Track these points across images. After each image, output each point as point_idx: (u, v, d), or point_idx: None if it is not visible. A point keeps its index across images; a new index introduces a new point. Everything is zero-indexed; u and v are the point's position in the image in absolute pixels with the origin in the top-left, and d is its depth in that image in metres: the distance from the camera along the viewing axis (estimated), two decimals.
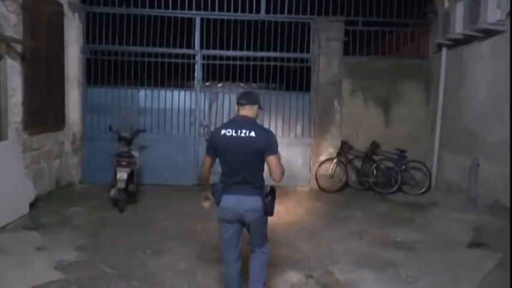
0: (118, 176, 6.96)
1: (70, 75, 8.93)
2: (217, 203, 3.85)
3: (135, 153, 7.87)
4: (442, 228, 6.80)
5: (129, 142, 7.83)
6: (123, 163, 7.08)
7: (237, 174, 3.73)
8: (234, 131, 3.71)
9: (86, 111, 9.33)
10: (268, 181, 3.90)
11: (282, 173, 3.79)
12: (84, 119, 9.30)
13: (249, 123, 3.80)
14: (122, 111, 9.34)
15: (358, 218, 7.34)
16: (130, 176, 7.31)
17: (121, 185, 6.94)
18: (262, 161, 3.77)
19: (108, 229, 6.29)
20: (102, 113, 9.35)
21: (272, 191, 3.86)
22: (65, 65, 8.68)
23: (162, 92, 9.49)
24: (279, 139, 4.01)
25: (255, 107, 3.91)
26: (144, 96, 9.45)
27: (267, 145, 3.70)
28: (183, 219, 6.95)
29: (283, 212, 7.51)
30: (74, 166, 9.12)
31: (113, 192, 7.07)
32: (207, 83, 9.89)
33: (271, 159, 3.72)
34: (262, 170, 3.83)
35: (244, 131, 3.69)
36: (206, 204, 4.17)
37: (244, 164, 3.72)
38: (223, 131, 3.75)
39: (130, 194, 7.41)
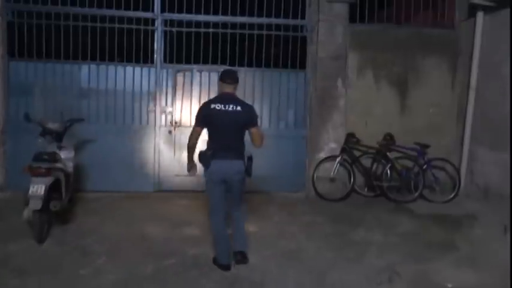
0: (31, 190, 4.68)
1: None
2: (206, 167, 4.29)
3: (67, 153, 5.66)
4: (502, 259, 4.77)
5: (58, 137, 5.64)
6: (41, 170, 4.80)
7: (225, 143, 4.24)
8: (222, 105, 4.23)
9: (9, 94, 6.97)
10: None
11: (262, 140, 4.41)
12: (5, 104, 6.94)
13: (234, 99, 4.35)
14: (58, 94, 7.02)
15: (378, 244, 5.24)
16: (56, 187, 5.07)
17: (35, 205, 4.64)
18: (244, 132, 4.33)
19: (1, 281, 4.02)
20: (31, 95, 7.01)
21: (250, 157, 4.36)
22: None
23: (112, 68, 7.16)
24: (264, 130, 5.53)
25: (237, 84, 4.44)
26: (87, 73, 7.11)
27: (250, 118, 4.34)
28: (130, 252, 4.75)
29: (274, 235, 5.43)
30: None
31: (26, 213, 4.75)
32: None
33: (254, 130, 4.36)
34: (243, 139, 4.36)
35: (231, 105, 4.24)
36: (192, 171, 4.54)
37: (230, 134, 4.26)
38: (213, 105, 4.26)
39: (56, 214, 5.14)
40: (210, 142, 4.34)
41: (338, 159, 7.18)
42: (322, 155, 7.29)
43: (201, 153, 4.31)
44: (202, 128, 4.33)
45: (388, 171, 7.12)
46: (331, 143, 7.32)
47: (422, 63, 7.53)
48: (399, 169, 7.16)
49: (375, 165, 7.33)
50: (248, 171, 4.36)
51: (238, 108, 4.25)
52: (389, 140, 7.20)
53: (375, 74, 7.47)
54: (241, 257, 4.50)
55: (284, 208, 6.59)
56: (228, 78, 4.37)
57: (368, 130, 7.42)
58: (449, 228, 5.82)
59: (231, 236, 4.52)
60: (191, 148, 4.39)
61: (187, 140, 4.40)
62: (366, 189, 7.38)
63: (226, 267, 4.38)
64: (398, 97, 7.52)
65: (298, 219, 6.09)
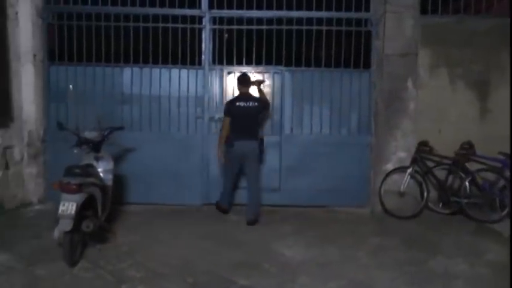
0: (61, 209, 4.13)
1: (21, 49, 6.22)
2: (231, 147, 5.78)
3: (105, 165, 5.14)
4: None
5: (96, 147, 5.10)
6: (72, 186, 4.24)
7: (243, 129, 5.78)
8: (244, 103, 5.81)
9: (49, 100, 6.56)
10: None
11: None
12: (46, 111, 6.55)
13: (252, 97, 5.95)
14: (99, 99, 6.53)
15: (465, 276, 4.32)
16: (90, 204, 4.51)
17: (65, 226, 4.10)
18: (259, 119, 6.03)
19: None
20: (71, 101, 6.56)
21: (262, 138, 5.98)
22: (8, 33, 5.95)
23: (156, 71, 6.62)
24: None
25: (250, 85, 6.01)
26: (129, 77, 6.59)
27: (264, 108, 6.05)
28: (171, 281, 4.09)
29: (338, 261, 4.63)
30: (30, 179, 6.41)
31: (56, 233, 4.22)
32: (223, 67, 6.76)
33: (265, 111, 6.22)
34: (258, 126, 6.03)
35: (250, 102, 5.83)
36: (222, 157, 5.95)
37: (248, 123, 5.81)
38: (237, 103, 5.82)
39: (91, 233, 4.55)
40: (232, 129, 5.81)
41: (408, 170, 6.29)
42: (390, 165, 6.43)
43: (228, 138, 5.80)
44: (229, 118, 5.80)
45: (468, 185, 6.14)
46: (400, 152, 6.44)
47: (506, 60, 6.49)
48: (481, 183, 6.17)
49: (450, 178, 6.38)
50: (261, 148, 5.87)
51: (255, 104, 5.86)
52: (468, 149, 6.23)
53: (449, 72, 6.52)
54: (252, 222, 5.82)
55: (348, 227, 5.80)
56: (243, 82, 5.93)
57: (442, 137, 6.48)
58: None
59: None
60: (223, 136, 5.84)
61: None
62: (440, 205, 6.43)
63: (225, 211, 6.20)
64: (478, 99, 6.54)
65: (365, 241, 5.26)
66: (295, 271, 4.35)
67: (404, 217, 6.13)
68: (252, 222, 5.80)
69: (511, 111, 6.21)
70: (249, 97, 5.87)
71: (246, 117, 5.77)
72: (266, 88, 6.54)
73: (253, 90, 6.13)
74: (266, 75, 6.63)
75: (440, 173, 6.40)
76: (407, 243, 5.21)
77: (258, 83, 6.24)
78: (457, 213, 6.23)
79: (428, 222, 6.01)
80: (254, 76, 6.46)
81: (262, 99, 6.04)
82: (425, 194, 6.24)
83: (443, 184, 6.37)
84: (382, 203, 6.31)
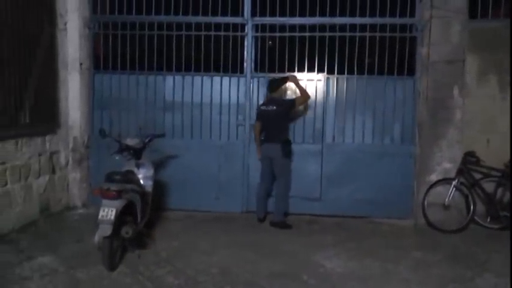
0: (101, 214, 4.21)
1: (69, 57, 6.43)
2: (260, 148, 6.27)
3: (146, 171, 5.23)
4: None
5: (137, 154, 5.20)
6: (112, 192, 4.31)
7: (267, 132, 6.12)
8: (265, 106, 6.10)
9: (93, 107, 6.74)
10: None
11: (304, 97, 6.18)
12: (90, 118, 6.73)
13: (275, 101, 6.10)
14: (142, 107, 6.67)
15: None
16: (129, 210, 4.59)
17: (105, 231, 4.18)
18: (284, 121, 6.13)
19: None
20: (115, 108, 6.71)
21: (287, 140, 6.11)
22: (58, 42, 6.19)
23: (198, 78, 6.67)
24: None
25: (277, 90, 6.16)
26: (172, 84, 6.68)
27: (288, 106, 6.10)
28: (209, 287, 4.10)
29: (379, 276, 4.48)
30: (75, 183, 6.61)
31: (96, 238, 4.31)
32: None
33: (296, 100, 6.17)
34: (283, 128, 6.12)
35: (271, 106, 6.03)
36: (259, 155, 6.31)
37: (272, 125, 6.05)
38: (262, 107, 6.16)
39: (131, 238, 4.61)
40: (263, 132, 6.17)
41: (454, 182, 6.06)
42: (434, 177, 6.22)
43: (260, 139, 6.20)
44: (259, 122, 6.15)
45: None
46: (444, 163, 6.22)
47: None
48: None
49: (500, 191, 6.09)
50: (283, 152, 5.94)
51: (275, 107, 5.98)
52: None
53: (499, 80, 6.23)
54: (274, 225, 6.03)
55: (389, 239, 5.63)
56: (269, 88, 6.14)
57: (490, 148, 6.21)
58: None
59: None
60: (256, 136, 6.25)
61: None
62: (488, 220, 6.14)
63: (260, 220, 6.22)
64: None
65: (408, 255, 5.07)
66: (335, 284, 4.25)
67: (449, 231, 5.90)
68: (274, 224, 6.04)
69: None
70: (271, 101, 6.08)
71: (267, 120, 6.03)
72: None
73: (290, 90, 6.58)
74: (309, 83, 6.55)
75: (488, 186, 6.12)
76: (451, 258, 4.99)
77: (285, 80, 6.21)
78: (506, 229, 5.92)
79: (475, 237, 5.75)
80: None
81: (284, 101, 6.20)
82: (471, 207, 5.99)
83: (492, 197, 6.08)
84: (425, 216, 6.10)
